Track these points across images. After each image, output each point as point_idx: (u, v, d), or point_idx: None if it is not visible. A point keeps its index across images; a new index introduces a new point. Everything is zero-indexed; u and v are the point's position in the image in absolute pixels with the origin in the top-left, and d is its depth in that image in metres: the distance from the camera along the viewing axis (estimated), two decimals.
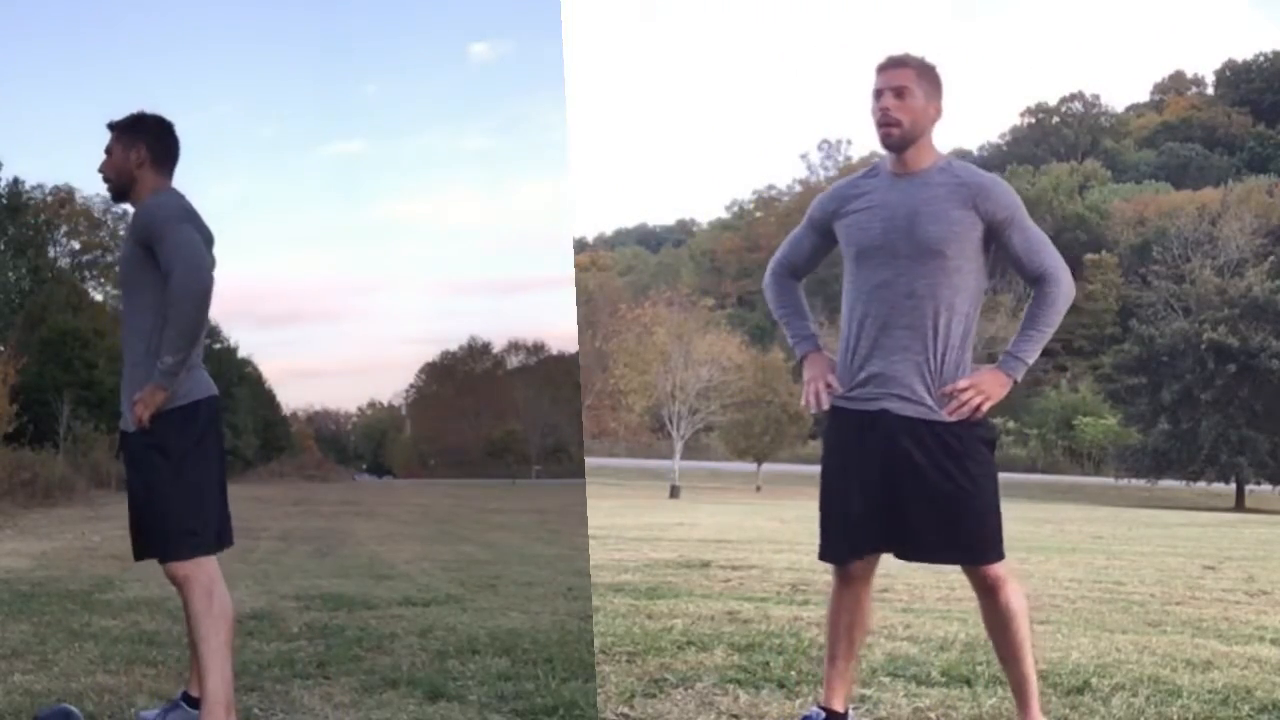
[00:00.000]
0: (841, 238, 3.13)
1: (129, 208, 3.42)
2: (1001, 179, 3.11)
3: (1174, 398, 37.41)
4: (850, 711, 3.29)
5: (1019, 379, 3.03)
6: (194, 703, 3.39)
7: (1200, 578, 8.44)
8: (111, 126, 3.44)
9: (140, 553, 3.34)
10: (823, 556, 3.15)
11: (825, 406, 3.13)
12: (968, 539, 2.99)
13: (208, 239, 3.32)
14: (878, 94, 3.00)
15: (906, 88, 2.98)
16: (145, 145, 3.38)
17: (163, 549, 3.27)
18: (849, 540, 3.07)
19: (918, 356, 2.98)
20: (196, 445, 3.27)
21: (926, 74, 3.03)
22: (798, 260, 3.34)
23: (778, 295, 3.36)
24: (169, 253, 3.15)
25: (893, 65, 3.01)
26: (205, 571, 3.23)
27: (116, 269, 3.28)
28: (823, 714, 3.17)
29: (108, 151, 3.42)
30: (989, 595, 3.06)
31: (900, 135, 2.98)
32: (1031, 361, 3.07)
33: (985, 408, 2.97)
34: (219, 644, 3.19)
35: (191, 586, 3.22)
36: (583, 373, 38.26)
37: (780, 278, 3.37)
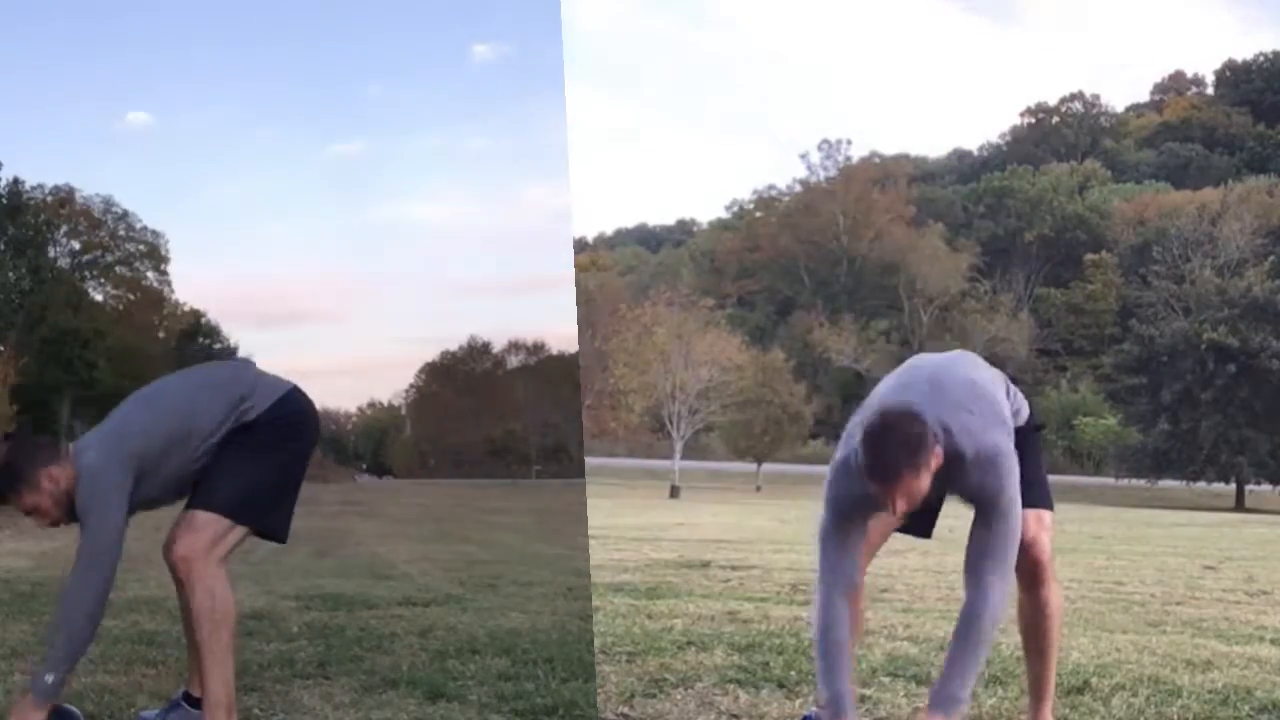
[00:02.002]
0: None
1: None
2: (1000, 457, 2.85)
3: (1174, 398, 37.41)
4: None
5: (959, 718, 2.81)
6: (194, 702, 3.39)
7: (1200, 578, 8.44)
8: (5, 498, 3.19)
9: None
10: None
11: None
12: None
13: (154, 438, 3.19)
14: (883, 501, 2.74)
15: (915, 488, 2.72)
16: (39, 467, 3.15)
17: (203, 499, 3.23)
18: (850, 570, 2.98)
19: None
20: (268, 439, 3.27)
21: (924, 457, 2.72)
22: (857, 571, 2.94)
23: (832, 630, 2.87)
24: (82, 543, 3.10)
25: (891, 476, 2.70)
26: (212, 572, 3.20)
27: None
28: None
29: (35, 513, 3.17)
30: (1030, 583, 3.09)
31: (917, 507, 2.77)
32: (968, 693, 2.82)
33: None
34: (221, 645, 3.17)
35: (196, 585, 3.18)
36: (583, 373, 38.26)
37: (840, 608, 2.88)
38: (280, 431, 3.31)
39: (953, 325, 46.68)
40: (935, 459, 2.73)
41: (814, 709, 3.24)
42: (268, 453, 3.27)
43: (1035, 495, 3.09)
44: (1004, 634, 4.75)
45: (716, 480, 37.46)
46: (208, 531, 3.19)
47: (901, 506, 2.72)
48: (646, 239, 73.61)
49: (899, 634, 4.85)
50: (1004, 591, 2.83)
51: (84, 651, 3.17)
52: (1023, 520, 3.00)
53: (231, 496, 3.21)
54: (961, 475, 2.81)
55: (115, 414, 3.31)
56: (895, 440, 2.71)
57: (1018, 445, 2.97)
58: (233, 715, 3.21)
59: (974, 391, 2.95)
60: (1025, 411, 3.15)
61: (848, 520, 2.90)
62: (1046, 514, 3.12)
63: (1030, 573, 3.09)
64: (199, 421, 3.24)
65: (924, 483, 2.72)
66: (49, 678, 3.04)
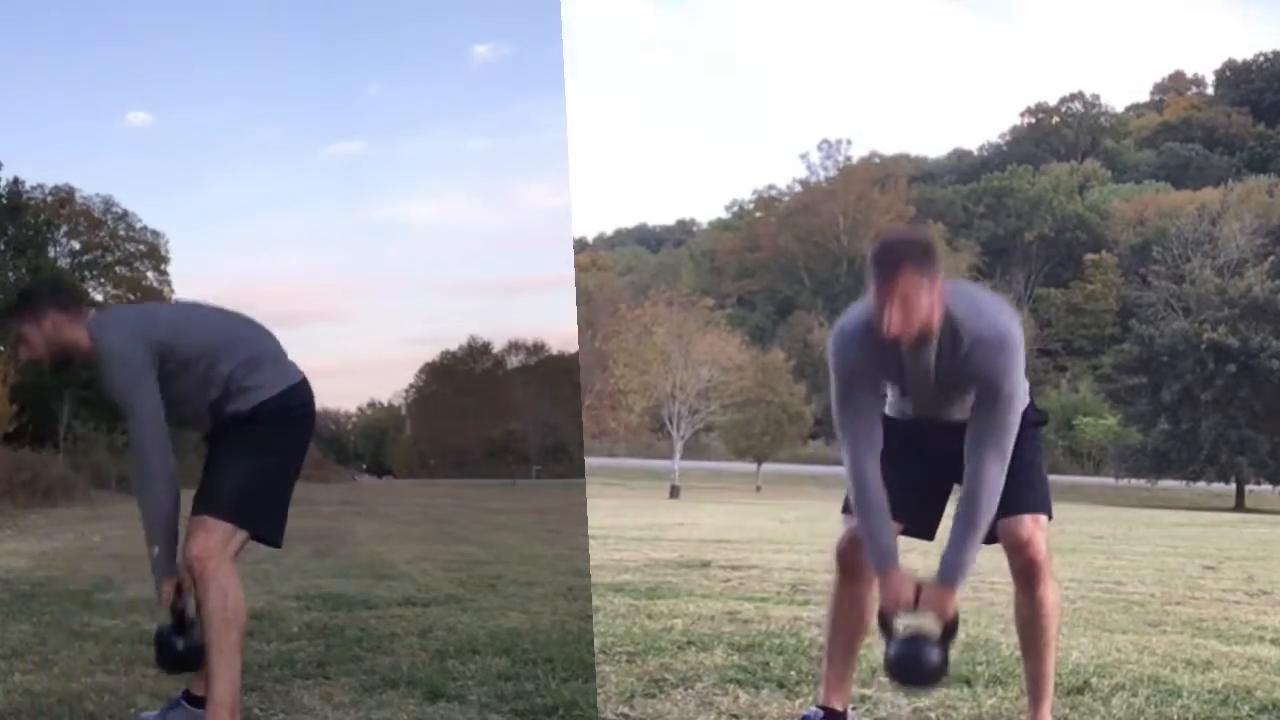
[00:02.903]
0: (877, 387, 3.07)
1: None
2: (1008, 337, 2.89)
3: (1174, 398, 37.40)
4: (850, 711, 3.29)
5: (961, 586, 2.98)
6: (195, 701, 3.38)
7: (1200, 578, 8.44)
8: (6, 317, 3.35)
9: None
10: (847, 508, 3.15)
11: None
12: (1009, 494, 2.97)
13: (162, 337, 3.20)
14: (879, 302, 2.78)
15: (914, 294, 2.76)
16: (52, 308, 3.25)
17: (212, 505, 3.22)
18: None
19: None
20: (267, 436, 3.27)
21: (929, 266, 2.79)
22: (878, 438, 3.00)
23: (868, 493, 2.98)
24: (130, 428, 3.15)
25: (898, 271, 2.76)
26: (225, 571, 3.19)
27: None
28: (821, 713, 3.19)
29: (23, 341, 3.26)
30: (1027, 581, 3.10)
31: (910, 337, 2.81)
32: (970, 566, 2.97)
33: (945, 620, 2.97)
34: (229, 646, 3.16)
35: (209, 584, 3.17)
36: (583, 373, 38.25)
37: (872, 470, 2.99)
38: (284, 425, 3.30)
39: None
40: (938, 289, 2.79)
41: (813, 709, 3.24)
42: (270, 452, 3.27)
43: (1034, 498, 3.10)
44: (1004, 634, 4.75)
45: (716, 480, 37.46)
46: (219, 531, 3.20)
47: (897, 317, 2.74)
48: (646, 239, 73.61)
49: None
50: (1001, 472, 2.91)
51: (176, 517, 3.20)
52: (1019, 522, 3.05)
53: (234, 500, 3.21)
54: (970, 355, 2.86)
55: (142, 305, 3.33)
56: (903, 239, 2.91)
57: (1019, 437, 2.98)
58: (236, 716, 3.20)
59: (985, 292, 3.06)
60: (1027, 391, 3.08)
61: (855, 386, 2.98)
62: (1043, 517, 3.12)
63: (1027, 573, 3.10)
64: (226, 352, 3.25)
65: (923, 300, 2.76)
66: (154, 550, 3.18)
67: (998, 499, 2.93)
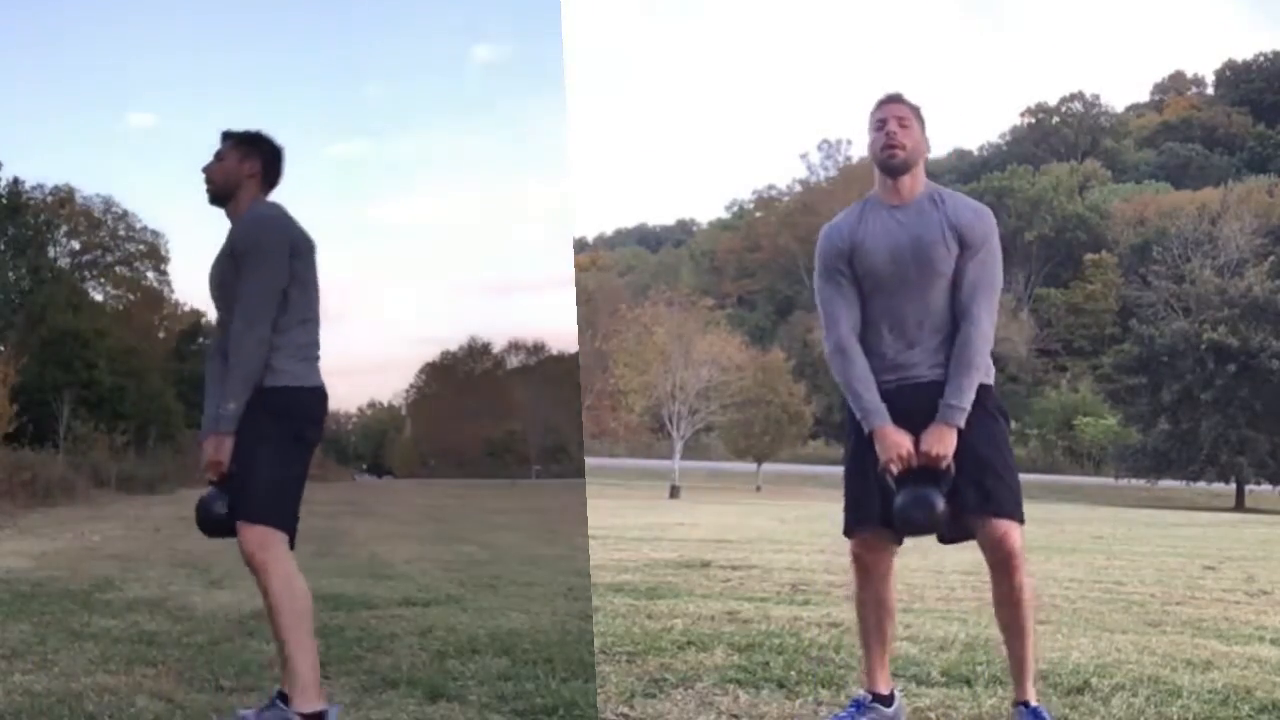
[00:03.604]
0: (855, 270, 3.38)
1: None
2: (986, 210, 3.38)
3: (1174, 398, 37.38)
4: (896, 693, 3.46)
5: (961, 425, 3.22)
6: (289, 701, 3.42)
7: (1200, 578, 8.43)
8: (228, 135, 3.57)
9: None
10: (847, 532, 3.39)
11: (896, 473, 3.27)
12: (984, 490, 3.23)
13: (304, 248, 3.41)
14: (880, 123, 3.32)
15: (908, 119, 3.33)
16: (261, 162, 3.53)
17: (248, 509, 3.30)
18: (865, 512, 3.32)
19: (928, 344, 3.32)
20: (295, 428, 3.37)
21: (919, 114, 3.39)
22: (855, 318, 3.37)
23: (850, 365, 3.33)
24: (242, 292, 3.31)
25: (894, 100, 3.37)
26: (284, 563, 3.30)
27: (209, 276, 3.54)
28: (869, 697, 3.38)
29: (219, 156, 3.54)
30: (1004, 572, 3.26)
31: (903, 158, 3.31)
32: (968, 405, 3.24)
33: (944, 461, 3.21)
34: (303, 633, 3.27)
35: (270, 576, 3.26)
36: (583, 373, 38.24)
37: (851, 345, 3.35)
38: (304, 427, 3.41)
39: None
40: (923, 133, 3.35)
41: (861, 693, 3.41)
42: (292, 453, 3.38)
43: (1010, 501, 3.27)
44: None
45: (716, 480, 37.45)
46: (259, 528, 3.30)
47: (895, 129, 3.29)
48: (646, 239, 73.64)
49: (899, 634, 4.83)
50: (990, 322, 3.29)
51: (258, 377, 3.30)
52: (995, 526, 3.24)
53: (266, 503, 3.31)
54: (955, 215, 3.30)
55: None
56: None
57: (979, 422, 3.26)
58: (322, 695, 3.30)
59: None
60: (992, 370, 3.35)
61: (837, 268, 3.37)
62: (1017, 522, 3.28)
63: (1004, 564, 3.26)
64: (303, 314, 3.39)
65: (914, 128, 3.33)
66: (230, 405, 3.28)
67: (989, 346, 3.29)
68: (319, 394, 3.46)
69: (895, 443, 3.22)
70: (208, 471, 3.33)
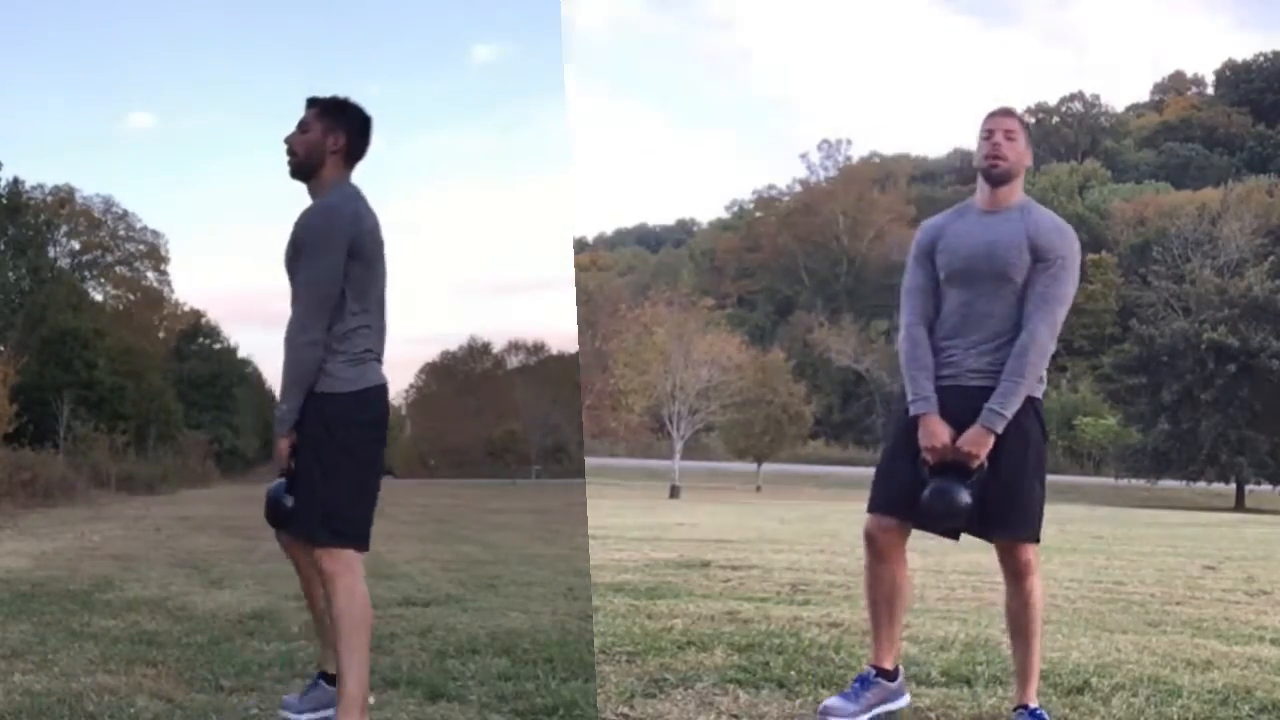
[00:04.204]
0: (936, 263, 3.55)
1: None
2: (1070, 230, 3.50)
3: (1174, 398, 37.37)
4: (900, 669, 3.57)
5: (1000, 431, 3.33)
6: (331, 680, 3.44)
7: (1200, 578, 8.43)
8: (314, 102, 3.37)
9: (294, 531, 3.34)
10: (870, 507, 3.52)
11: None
12: (1003, 511, 3.35)
13: (369, 248, 3.26)
14: (989, 133, 3.46)
15: (1015, 132, 3.47)
16: (346, 134, 3.34)
17: (309, 532, 3.25)
18: (889, 493, 3.47)
19: (987, 345, 3.43)
20: (356, 436, 3.26)
21: (1027, 128, 3.54)
22: (930, 309, 3.54)
23: (915, 351, 3.50)
24: (295, 287, 3.23)
25: (1005, 114, 3.51)
26: (349, 575, 3.24)
27: (285, 250, 3.33)
28: (874, 671, 3.50)
29: (303, 127, 3.34)
30: (1016, 580, 3.43)
31: (1005, 169, 3.45)
32: (1011, 414, 3.34)
33: (977, 461, 3.33)
34: (359, 644, 3.21)
35: (337, 584, 3.22)
36: (583, 373, 38.21)
37: (919, 333, 3.52)
38: (362, 432, 3.30)
39: None
40: (1027, 143, 3.50)
41: (867, 667, 3.53)
42: (350, 462, 3.26)
43: (1029, 525, 3.42)
44: (1004, 634, 4.75)
45: (716, 480, 37.44)
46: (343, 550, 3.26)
47: (1001, 141, 3.42)
48: (646, 239, 73.63)
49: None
50: (1050, 336, 3.39)
51: (311, 378, 3.20)
52: (1011, 546, 3.41)
53: (326, 523, 3.23)
54: (1038, 227, 3.44)
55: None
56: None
57: (1015, 438, 3.36)
58: (365, 715, 3.22)
59: None
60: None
61: (918, 264, 3.55)
62: (1033, 545, 3.44)
63: (1016, 572, 3.43)
64: (350, 308, 3.24)
65: (1020, 141, 3.46)
66: (283, 406, 3.22)
67: (1046, 359, 3.39)
68: (378, 392, 3.32)
69: (935, 433, 3.37)
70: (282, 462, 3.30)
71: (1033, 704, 3.42)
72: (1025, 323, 3.37)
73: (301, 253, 3.21)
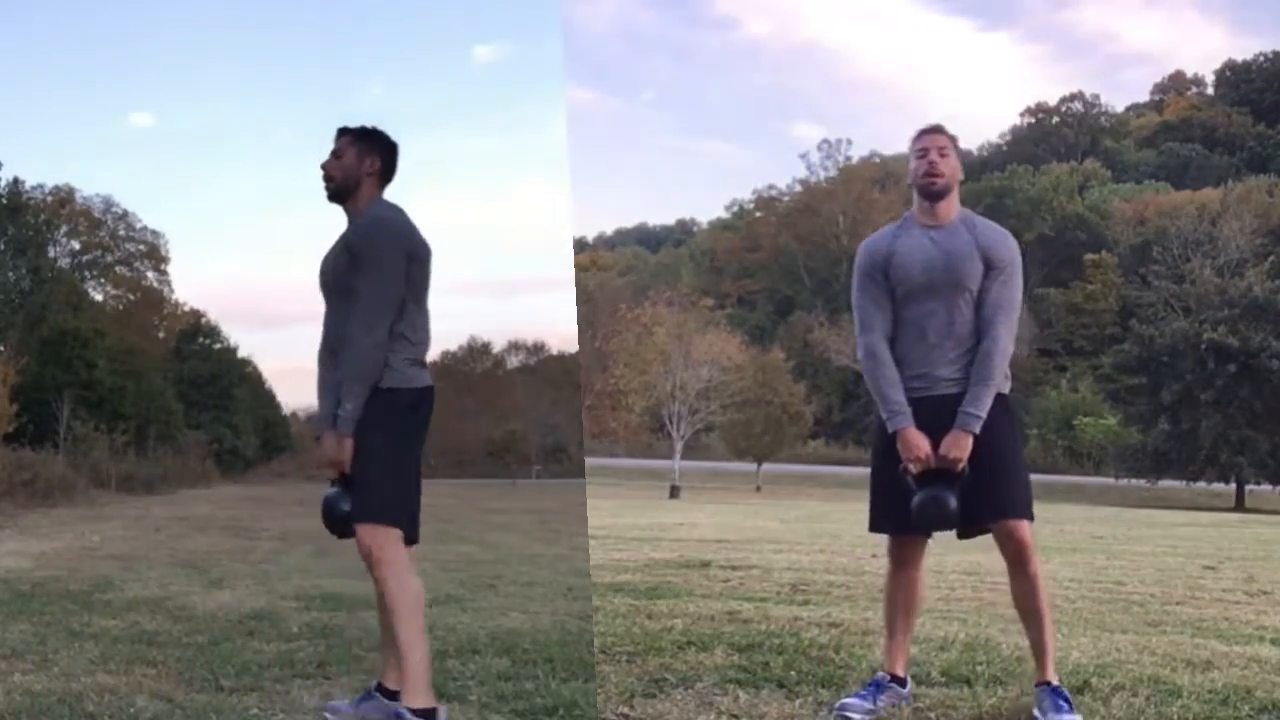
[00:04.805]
0: (890, 279, 3.66)
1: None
2: (1011, 236, 3.68)
3: (1174, 398, 37.33)
4: (909, 679, 3.69)
5: (977, 432, 3.49)
6: (388, 694, 3.51)
7: (1200, 578, 8.43)
8: (345, 131, 3.59)
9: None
10: (871, 528, 3.72)
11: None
12: (996, 492, 3.50)
13: (422, 254, 3.47)
14: (923, 151, 3.61)
15: (947, 148, 3.63)
16: (380, 159, 3.56)
17: (366, 509, 3.38)
18: (885, 512, 3.65)
19: (951, 353, 3.59)
20: (410, 428, 3.46)
21: (956, 143, 3.68)
22: (887, 324, 3.65)
23: (880, 367, 3.61)
24: (361, 296, 3.36)
25: (935, 131, 3.66)
26: (399, 561, 3.38)
27: (321, 267, 3.59)
28: (887, 677, 3.66)
29: (337, 154, 3.57)
30: (1019, 564, 3.55)
31: (942, 185, 3.61)
32: (984, 414, 3.51)
33: (960, 464, 3.49)
34: (416, 628, 3.35)
35: (385, 572, 3.35)
36: (583, 373, 38.21)
37: (881, 348, 3.63)
38: (416, 426, 3.50)
39: None
40: (958, 158, 3.64)
41: (880, 673, 3.68)
42: (407, 453, 3.46)
43: (1022, 502, 3.56)
44: (1004, 634, 4.76)
45: (716, 480, 37.42)
46: (377, 528, 3.37)
47: (936, 159, 3.57)
48: (646, 239, 73.58)
49: None
50: (1010, 339, 3.56)
51: (376, 378, 3.38)
52: (1008, 525, 3.53)
53: (383, 502, 3.39)
54: (983, 237, 3.59)
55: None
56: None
57: (993, 427, 3.51)
58: (430, 694, 3.35)
59: None
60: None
61: (869, 282, 3.66)
62: (1027, 521, 3.56)
63: (1017, 554, 3.55)
64: (409, 310, 3.45)
65: (952, 158, 3.62)
66: (349, 406, 3.36)
67: (1008, 360, 3.56)
68: (429, 394, 3.53)
69: (915, 444, 3.51)
70: (327, 469, 3.42)
71: (1053, 680, 3.54)
72: (987, 328, 3.55)
73: (362, 264, 3.39)
